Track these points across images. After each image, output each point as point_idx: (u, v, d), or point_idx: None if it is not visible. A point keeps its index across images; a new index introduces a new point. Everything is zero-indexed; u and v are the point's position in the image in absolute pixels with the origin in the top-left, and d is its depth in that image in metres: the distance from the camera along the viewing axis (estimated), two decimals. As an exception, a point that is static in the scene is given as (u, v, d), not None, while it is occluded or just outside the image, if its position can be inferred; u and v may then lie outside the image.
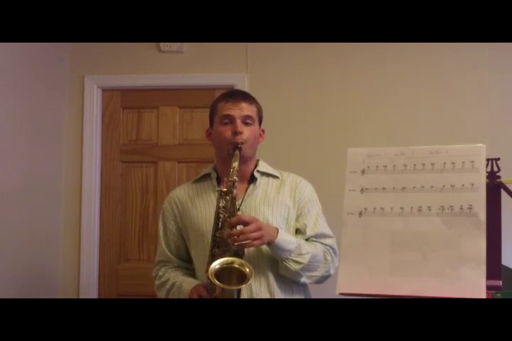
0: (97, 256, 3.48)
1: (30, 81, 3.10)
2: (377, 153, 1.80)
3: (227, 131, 1.99)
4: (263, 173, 2.09)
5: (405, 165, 1.76)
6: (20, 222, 2.97)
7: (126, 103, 3.56)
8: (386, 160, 1.78)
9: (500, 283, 1.72)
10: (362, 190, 1.79)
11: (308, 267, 1.95)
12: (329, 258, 2.02)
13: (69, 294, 3.39)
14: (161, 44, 3.46)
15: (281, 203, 2.04)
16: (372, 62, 3.37)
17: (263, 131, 2.12)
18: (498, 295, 1.68)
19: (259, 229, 1.83)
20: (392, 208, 1.73)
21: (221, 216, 1.89)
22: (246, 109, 2.02)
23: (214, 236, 1.88)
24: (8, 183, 2.87)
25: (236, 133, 1.98)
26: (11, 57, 2.90)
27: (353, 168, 1.82)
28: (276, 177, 2.10)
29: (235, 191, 1.90)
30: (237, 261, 1.80)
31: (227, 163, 2.00)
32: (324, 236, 2.07)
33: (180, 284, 2.00)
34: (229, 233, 1.82)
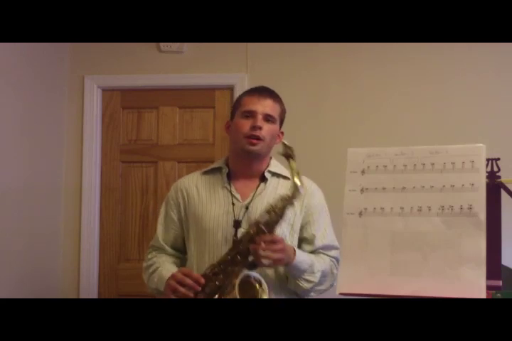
0: (97, 256, 3.47)
1: (30, 81, 3.10)
2: (377, 153, 1.80)
3: (246, 125, 1.96)
4: (274, 174, 2.05)
5: (405, 165, 1.76)
6: (20, 222, 2.97)
7: (126, 103, 3.56)
8: (386, 160, 1.78)
9: (500, 283, 1.72)
10: (362, 190, 1.79)
11: (317, 283, 1.94)
12: (335, 271, 1.99)
13: (69, 294, 3.39)
14: (161, 44, 3.46)
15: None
16: (372, 62, 3.37)
17: (282, 133, 2.09)
18: (498, 295, 1.68)
19: (282, 251, 1.79)
20: (392, 208, 1.74)
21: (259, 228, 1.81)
22: (270, 106, 1.99)
23: (239, 243, 1.83)
24: (9, 183, 2.87)
25: (255, 127, 1.95)
26: (11, 57, 2.90)
27: (353, 168, 1.82)
28: (287, 179, 2.01)
29: (286, 213, 1.84)
30: (256, 278, 1.80)
31: (240, 159, 2.00)
32: (332, 247, 2.03)
33: (161, 271, 1.97)
34: (255, 247, 1.77)
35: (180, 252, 2.09)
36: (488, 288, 1.62)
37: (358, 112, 3.35)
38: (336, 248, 2.03)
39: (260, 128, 1.95)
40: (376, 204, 1.75)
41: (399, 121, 3.31)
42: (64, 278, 3.42)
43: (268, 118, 1.98)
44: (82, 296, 3.40)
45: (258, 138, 1.95)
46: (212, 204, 2.00)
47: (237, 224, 1.94)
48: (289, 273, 1.90)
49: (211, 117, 3.48)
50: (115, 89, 3.57)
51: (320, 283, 1.94)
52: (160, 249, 2.09)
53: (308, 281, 1.91)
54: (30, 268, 3.08)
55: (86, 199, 3.47)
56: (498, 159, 1.85)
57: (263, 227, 1.79)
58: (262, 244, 1.76)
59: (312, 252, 1.99)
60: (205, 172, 2.10)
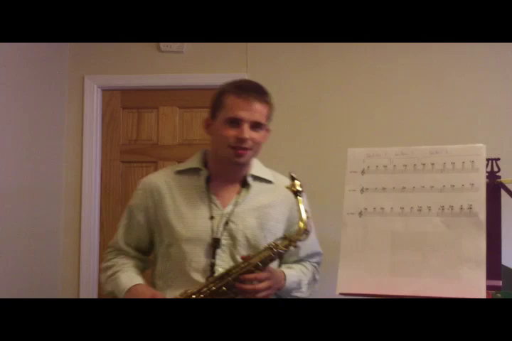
0: (97, 256, 3.47)
1: (30, 81, 3.10)
2: (377, 153, 1.80)
3: (231, 134, 1.76)
4: (256, 178, 1.88)
5: (405, 165, 1.76)
6: (21, 221, 2.97)
7: (126, 103, 3.56)
8: (386, 160, 1.78)
9: (500, 283, 1.72)
10: (362, 190, 1.79)
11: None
12: (317, 277, 1.96)
13: (69, 294, 3.39)
14: (161, 44, 3.46)
15: (272, 217, 1.85)
16: (372, 62, 3.36)
17: (268, 130, 1.86)
18: (498, 295, 1.68)
19: (269, 287, 1.72)
20: (392, 208, 1.74)
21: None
22: (258, 112, 1.77)
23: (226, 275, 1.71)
24: (8, 183, 2.87)
25: (242, 139, 1.75)
26: (11, 58, 2.90)
27: (353, 167, 1.82)
28: (270, 182, 1.89)
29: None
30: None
31: (223, 166, 1.84)
32: (315, 254, 1.97)
33: (119, 276, 1.82)
34: (241, 286, 1.68)
35: (144, 253, 1.93)
36: (488, 288, 1.62)
37: (358, 112, 3.35)
38: (318, 254, 1.98)
39: (247, 139, 1.76)
40: (376, 204, 1.75)
41: (399, 121, 3.31)
42: (64, 278, 3.42)
43: (256, 125, 1.78)
44: (82, 296, 3.40)
45: (246, 149, 1.77)
46: (188, 211, 1.81)
47: (216, 242, 1.78)
48: (278, 294, 1.84)
49: (211, 117, 3.48)
50: (115, 89, 3.56)
51: (304, 293, 1.91)
52: (121, 250, 1.92)
53: (296, 297, 1.88)
54: (31, 268, 3.08)
55: (86, 199, 3.47)
56: (498, 159, 1.85)
57: (260, 264, 1.69)
58: (248, 286, 1.69)
59: (296, 261, 1.93)
60: (180, 172, 1.88)
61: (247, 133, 1.75)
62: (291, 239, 1.71)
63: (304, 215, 1.70)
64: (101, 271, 1.95)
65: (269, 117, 1.83)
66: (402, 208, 1.72)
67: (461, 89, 3.30)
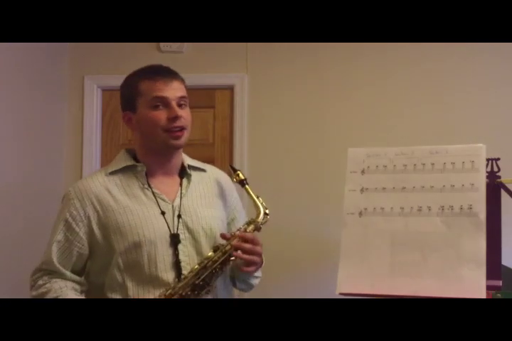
0: (97, 256, 3.47)
1: (31, 81, 3.10)
2: (377, 153, 1.80)
3: (161, 116, 1.68)
4: (192, 167, 1.82)
5: (405, 165, 1.76)
6: (20, 222, 2.97)
7: (126, 103, 3.56)
8: (386, 160, 1.78)
9: (500, 283, 1.72)
10: (362, 190, 1.79)
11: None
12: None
13: (69, 294, 3.39)
14: (161, 44, 3.46)
15: (217, 205, 1.81)
16: (372, 62, 3.36)
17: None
18: (498, 295, 1.68)
19: (260, 255, 1.70)
20: (392, 208, 1.74)
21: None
22: (179, 88, 1.73)
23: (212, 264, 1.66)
24: (8, 183, 2.87)
25: (175, 118, 1.68)
26: (10, 58, 2.90)
27: (353, 167, 1.82)
28: (204, 171, 1.85)
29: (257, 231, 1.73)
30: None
31: (159, 156, 1.75)
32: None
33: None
34: (240, 245, 1.65)
35: (79, 275, 1.72)
36: (488, 288, 1.62)
37: (358, 112, 3.35)
38: None
39: (181, 116, 1.70)
40: (376, 204, 1.75)
41: (399, 121, 3.31)
42: (64, 278, 3.42)
43: (181, 102, 1.73)
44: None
45: (182, 129, 1.72)
46: (139, 212, 1.69)
47: (175, 237, 1.69)
48: (243, 275, 1.79)
49: (211, 117, 3.48)
50: (115, 89, 3.55)
51: (259, 278, 1.88)
52: (54, 273, 1.69)
53: (256, 277, 1.85)
54: (31, 268, 3.08)
55: (86, 200, 3.46)
56: (498, 159, 1.85)
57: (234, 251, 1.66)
58: (248, 245, 1.66)
59: None
60: (113, 173, 1.75)
61: (178, 110, 1.70)
62: (257, 223, 1.72)
63: (257, 200, 1.74)
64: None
65: (187, 96, 1.79)
66: (402, 208, 1.72)
67: (461, 89, 3.30)
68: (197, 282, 1.64)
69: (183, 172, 1.80)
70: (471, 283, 1.59)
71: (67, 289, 1.66)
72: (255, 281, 1.88)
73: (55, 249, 1.70)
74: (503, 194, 1.84)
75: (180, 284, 1.65)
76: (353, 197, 1.79)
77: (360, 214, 1.77)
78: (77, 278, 1.71)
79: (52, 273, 1.70)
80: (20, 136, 3.00)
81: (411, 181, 1.74)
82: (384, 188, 1.76)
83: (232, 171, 1.77)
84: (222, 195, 1.84)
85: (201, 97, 3.46)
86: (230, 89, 3.44)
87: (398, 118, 3.32)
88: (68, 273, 1.69)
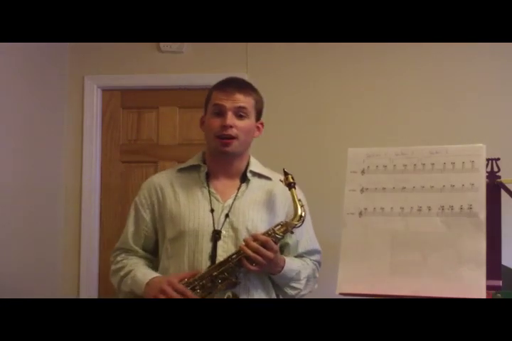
0: (97, 256, 3.47)
1: (31, 81, 3.10)
2: (377, 153, 1.80)
3: (216, 123, 1.84)
4: (255, 174, 1.94)
5: (405, 165, 1.76)
6: (20, 222, 2.97)
7: (126, 103, 3.56)
8: (386, 160, 1.78)
9: (500, 283, 1.72)
10: (362, 190, 1.79)
11: (301, 290, 1.91)
12: (317, 275, 1.97)
13: (69, 294, 3.39)
14: (161, 44, 3.46)
15: (271, 210, 1.89)
16: (373, 62, 3.36)
17: (262, 124, 1.95)
18: (498, 295, 1.68)
19: (270, 259, 1.75)
20: (392, 208, 1.74)
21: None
22: (240, 100, 1.85)
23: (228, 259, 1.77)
24: (9, 183, 2.87)
25: (226, 126, 1.81)
26: (10, 58, 2.90)
27: (353, 167, 1.82)
28: (269, 179, 1.94)
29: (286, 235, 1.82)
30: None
31: (217, 159, 1.90)
32: (315, 252, 1.99)
33: (135, 274, 1.85)
34: (248, 241, 1.74)
35: (152, 254, 1.97)
36: (488, 288, 1.62)
37: (358, 112, 3.35)
38: (318, 252, 2.00)
39: (231, 126, 1.82)
40: (376, 204, 1.75)
41: (399, 121, 3.31)
42: (64, 278, 3.42)
43: (240, 113, 1.85)
44: (82, 296, 3.40)
45: (231, 137, 1.83)
46: (190, 205, 1.87)
47: (216, 234, 1.83)
48: (276, 281, 1.87)
49: (211, 117, 3.48)
50: (115, 89, 3.56)
51: (304, 288, 1.92)
52: (130, 251, 1.95)
53: (294, 288, 1.89)
54: (31, 268, 3.08)
55: (86, 199, 3.47)
56: (498, 159, 1.85)
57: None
58: (254, 244, 1.73)
59: (294, 257, 1.94)
60: (181, 170, 1.96)
61: (230, 120, 1.82)
62: (288, 224, 1.79)
63: (298, 203, 1.79)
64: (111, 274, 1.96)
65: (257, 109, 1.91)
66: (402, 208, 1.72)
67: (461, 89, 3.30)
68: (215, 274, 1.76)
69: (244, 177, 1.92)
70: (471, 283, 1.59)
71: (141, 264, 1.90)
72: (291, 292, 1.90)
73: (130, 230, 1.95)
74: (503, 194, 1.84)
75: (199, 275, 1.77)
76: (353, 197, 1.79)
77: (360, 214, 1.77)
78: (149, 255, 1.96)
79: (129, 251, 1.95)
80: (20, 135, 3.00)
81: (411, 181, 1.74)
82: (384, 188, 1.76)
83: (284, 174, 1.83)
84: (284, 203, 1.90)
85: (201, 97, 3.44)
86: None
87: (398, 118, 3.32)
88: (141, 251, 1.94)
